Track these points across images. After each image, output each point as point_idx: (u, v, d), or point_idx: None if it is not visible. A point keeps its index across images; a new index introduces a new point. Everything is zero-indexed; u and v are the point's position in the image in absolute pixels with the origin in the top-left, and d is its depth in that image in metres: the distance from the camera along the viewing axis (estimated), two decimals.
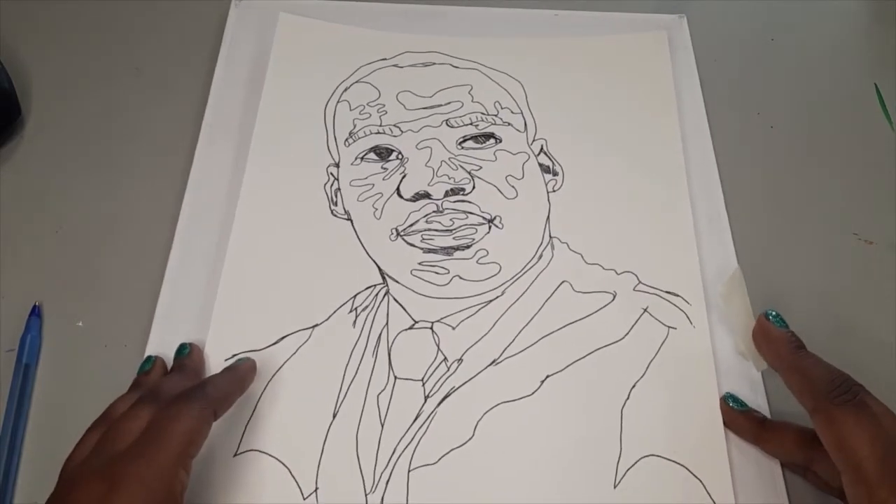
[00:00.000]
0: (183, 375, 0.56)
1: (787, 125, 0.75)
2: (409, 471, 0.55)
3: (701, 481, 0.55)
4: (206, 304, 0.62)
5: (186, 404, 0.48)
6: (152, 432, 0.47)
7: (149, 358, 0.59)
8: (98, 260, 0.65)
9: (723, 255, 0.66)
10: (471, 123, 0.69)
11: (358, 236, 0.65)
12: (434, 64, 0.74)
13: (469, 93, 0.72)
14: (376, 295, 0.62)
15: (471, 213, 0.65)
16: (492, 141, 0.69)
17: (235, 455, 0.56)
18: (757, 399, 0.60)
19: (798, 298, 0.65)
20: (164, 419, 0.47)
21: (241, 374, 0.56)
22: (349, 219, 0.66)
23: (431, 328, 0.61)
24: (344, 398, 0.58)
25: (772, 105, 0.77)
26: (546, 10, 0.80)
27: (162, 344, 0.60)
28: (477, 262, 0.63)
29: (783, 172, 0.72)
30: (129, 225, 0.67)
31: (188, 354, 0.58)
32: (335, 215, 0.66)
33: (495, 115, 0.71)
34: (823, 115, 0.76)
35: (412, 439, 0.56)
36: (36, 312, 0.62)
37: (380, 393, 0.58)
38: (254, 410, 0.57)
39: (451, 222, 0.64)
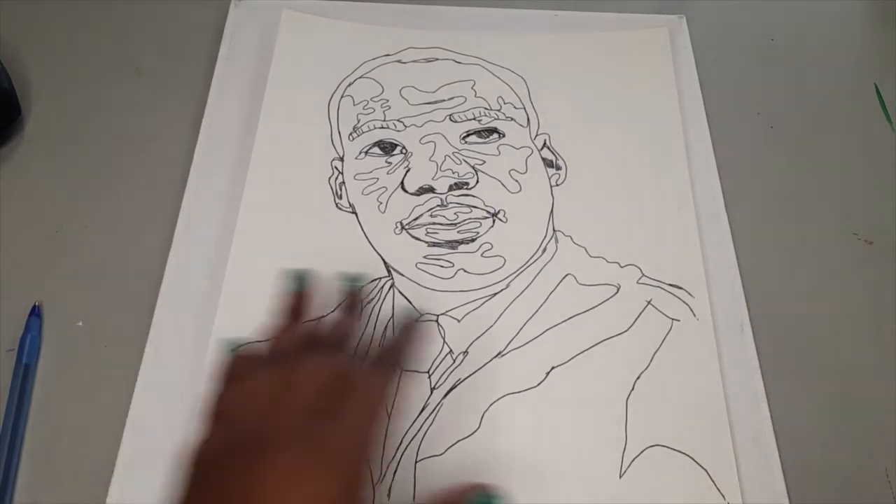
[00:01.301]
0: (350, 316, 0.51)
1: (787, 125, 0.76)
2: (415, 462, 0.55)
3: (706, 470, 0.56)
4: (206, 304, 0.62)
5: (382, 365, 0.44)
6: (350, 394, 0.40)
7: (301, 275, 0.52)
8: (98, 260, 0.65)
9: (723, 253, 0.66)
10: (474, 118, 0.70)
11: (363, 229, 0.65)
12: (437, 59, 0.75)
13: (472, 88, 0.72)
14: (381, 287, 0.62)
15: (475, 206, 0.65)
16: (495, 136, 0.69)
17: None
18: (757, 398, 0.60)
19: (797, 298, 0.65)
20: (361, 380, 0.42)
21: (420, 332, 0.51)
22: (354, 212, 0.66)
23: (437, 321, 0.61)
24: None
25: (772, 105, 0.77)
26: (546, 11, 0.80)
27: (162, 344, 0.60)
28: (481, 255, 0.64)
29: (783, 172, 0.72)
30: (128, 225, 0.67)
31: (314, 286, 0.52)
32: (340, 209, 0.66)
33: (498, 111, 0.71)
34: (823, 115, 0.76)
35: (419, 431, 0.56)
36: (36, 312, 0.61)
37: None
38: None
39: (455, 216, 0.65)
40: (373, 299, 0.62)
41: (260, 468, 0.36)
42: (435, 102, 0.71)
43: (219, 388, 0.43)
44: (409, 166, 0.67)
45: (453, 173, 0.66)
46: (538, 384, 0.58)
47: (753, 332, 0.62)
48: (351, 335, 0.48)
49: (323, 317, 0.53)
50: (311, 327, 0.49)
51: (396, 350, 0.47)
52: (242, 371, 0.44)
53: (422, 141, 0.68)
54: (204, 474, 0.38)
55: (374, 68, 0.74)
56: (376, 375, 0.42)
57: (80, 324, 0.62)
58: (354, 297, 0.53)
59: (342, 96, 0.72)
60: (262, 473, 0.36)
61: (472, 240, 0.64)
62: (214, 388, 0.43)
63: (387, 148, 0.68)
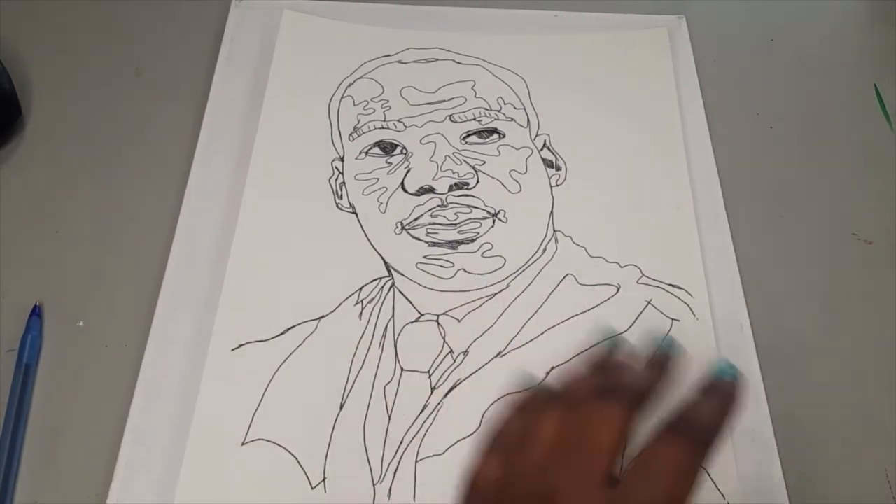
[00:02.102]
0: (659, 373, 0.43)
1: (787, 125, 0.76)
2: (416, 461, 0.55)
3: (706, 470, 0.55)
4: (206, 304, 0.62)
5: (601, 400, 0.39)
6: (573, 439, 0.38)
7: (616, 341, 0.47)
8: (98, 260, 0.65)
9: (723, 253, 0.66)
10: (474, 119, 0.70)
11: (363, 229, 0.65)
12: (437, 60, 0.75)
13: (472, 88, 0.72)
14: (382, 287, 0.62)
15: (475, 207, 0.65)
16: (495, 136, 0.69)
17: (243, 444, 0.56)
18: (757, 398, 0.60)
19: (797, 298, 0.65)
20: (583, 422, 0.38)
21: (730, 397, 0.40)
22: (354, 212, 0.66)
23: (437, 321, 0.61)
24: (351, 389, 0.58)
25: (771, 105, 0.77)
26: (546, 11, 0.80)
27: (162, 344, 0.60)
28: (481, 255, 0.64)
29: (783, 172, 0.72)
30: (129, 225, 0.67)
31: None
32: (340, 209, 0.66)
33: (498, 111, 0.71)
34: (823, 115, 0.76)
35: (419, 430, 0.56)
36: (36, 312, 0.61)
37: (386, 384, 0.58)
38: (261, 400, 0.57)
39: (455, 216, 0.65)
40: (373, 299, 0.62)
41: None
42: (435, 103, 0.71)
43: (507, 417, 0.42)
44: (410, 166, 0.67)
45: (453, 173, 0.66)
46: (539, 384, 0.58)
47: (753, 332, 0.62)
48: (653, 391, 0.41)
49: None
50: (609, 377, 0.43)
51: (706, 420, 0.39)
52: (532, 405, 0.42)
53: (422, 141, 0.68)
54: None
55: (374, 69, 0.74)
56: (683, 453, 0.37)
57: (81, 324, 0.62)
58: (668, 359, 0.45)
59: (342, 96, 0.72)
60: None
61: (473, 240, 0.64)
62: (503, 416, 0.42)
63: (387, 148, 0.68)
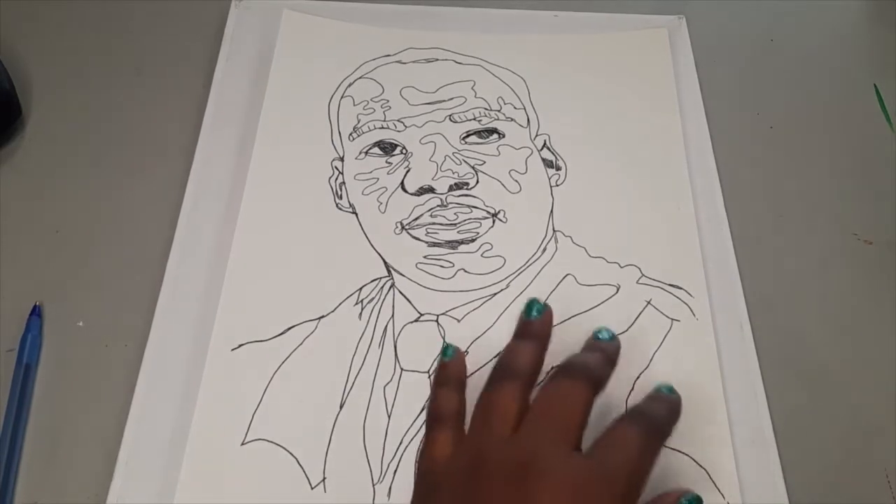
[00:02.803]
0: (535, 343, 0.52)
1: (787, 125, 0.76)
2: (416, 461, 0.55)
3: (706, 470, 0.55)
4: (206, 304, 0.62)
5: (569, 380, 0.47)
6: (544, 414, 0.45)
7: (447, 347, 0.58)
8: (98, 260, 0.65)
9: (723, 253, 0.66)
10: (474, 119, 0.70)
11: (363, 229, 0.65)
12: (437, 60, 0.75)
13: (472, 88, 0.72)
14: (382, 287, 0.62)
15: (475, 207, 0.65)
16: (495, 136, 0.69)
17: (243, 444, 0.56)
18: (757, 398, 0.60)
19: (797, 298, 0.65)
20: (552, 398, 0.46)
21: (611, 351, 0.52)
22: (354, 212, 0.66)
23: (437, 321, 0.61)
24: (351, 389, 0.58)
25: (771, 105, 0.77)
26: (546, 11, 0.80)
27: (162, 344, 0.60)
28: (481, 255, 0.64)
29: (783, 172, 0.72)
30: (129, 225, 0.67)
31: (541, 317, 0.54)
32: (340, 209, 0.66)
33: (498, 111, 0.71)
34: (823, 115, 0.76)
35: (419, 430, 0.56)
36: (36, 312, 0.61)
37: (386, 384, 0.58)
38: (261, 400, 0.57)
39: (455, 216, 0.65)
40: (373, 299, 0.62)
41: (481, 496, 0.42)
42: (435, 103, 0.71)
43: (438, 420, 0.51)
44: (410, 166, 0.67)
45: (453, 173, 0.66)
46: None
47: (753, 332, 0.62)
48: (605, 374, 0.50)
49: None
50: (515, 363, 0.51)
51: (592, 362, 0.49)
52: (445, 409, 0.52)
53: (422, 141, 0.68)
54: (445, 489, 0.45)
55: (374, 69, 0.74)
56: (570, 395, 0.46)
57: (81, 324, 0.62)
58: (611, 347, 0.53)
59: (342, 96, 0.72)
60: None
61: (472, 240, 0.64)
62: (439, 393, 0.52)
63: (387, 148, 0.68)
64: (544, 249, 0.65)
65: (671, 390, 0.49)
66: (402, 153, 0.68)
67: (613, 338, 0.52)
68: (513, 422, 0.46)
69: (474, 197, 0.66)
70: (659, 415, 0.47)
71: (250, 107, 0.72)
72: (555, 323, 0.60)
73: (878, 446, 0.59)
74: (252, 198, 0.66)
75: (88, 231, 0.66)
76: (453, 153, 0.68)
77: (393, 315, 0.61)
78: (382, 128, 0.69)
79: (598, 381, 0.48)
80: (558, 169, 0.69)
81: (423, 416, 0.57)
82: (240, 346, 0.59)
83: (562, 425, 0.45)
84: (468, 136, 0.69)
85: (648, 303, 0.62)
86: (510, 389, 0.48)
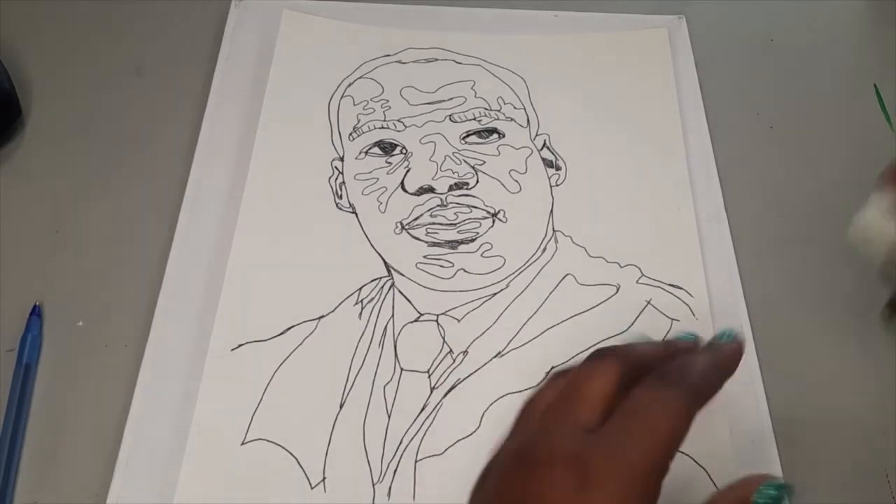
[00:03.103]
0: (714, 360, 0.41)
1: (787, 125, 0.75)
2: (416, 461, 0.55)
3: (705, 470, 0.55)
4: (206, 304, 0.62)
5: (667, 390, 0.38)
6: (629, 419, 0.37)
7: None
8: (98, 260, 0.65)
9: (723, 253, 0.66)
10: (474, 118, 0.70)
11: (363, 229, 0.65)
12: (437, 60, 0.75)
13: (472, 88, 0.72)
14: (382, 287, 0.62)
15: (475, 206, 0.65)
16: (495, 136, 0.69)
17: (243, 444, 0.56)
18: (757, 398, 0.60)
19: (797, 298, 0.65)
20: (641, 408, 0.37)
21: (726, 357, 0.42)
22: (354, 212, 0.66)
23: (437, 320, 0.61)
24: (351, 389, 0.58)
25: (771, 105, 0.77)
26: (546, 11, 0.80)
27: (162, 343, 0.60)
28: (481, 255, 0.64)
29: (783, 172, 0.72)
30: (128, 225, 0.67)
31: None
32: (340, 208, 0.66)
33: (498, 111, 0.71)
34: (823, 116, 0.76)
35: (419, 430, 0.56)
36: (36, 312, 0.61)
37: (386, 384, 0.58)
38: (261, 399, 0.57)
39: (455, 216, 0.65)
40: (373, 299, 0.62)
41: (534, 481, 0.36)
42: (435, 103, 0.71)
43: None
44: (409, 166, 0.67)
45: (453, 173, 0.66)
46: (538, 384, 0.58)
47: (753, 332, 0.62)
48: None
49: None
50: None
51: (695, 375, 0.39)
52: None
53: (422, 141, 0.68)
54: (492, 476, 0.40)
55: (374, 68, 0.74)
56: (662, 409, 0.37)
57: (81, 324, 0.62)
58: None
59: (342, 96, 0.72)
60: (533, 486, 0.36)
61: (472, 240, 0.64)
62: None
63: (387, 148, 0.68)
64: (544, 249, 0.65)
65: (730, 335, 0.43)
66: (401, 153, 0.68)
67: (733, 338, 0.43)
68: (598, 415, 0.38)
69: (474, 197, 0.66)
70: (700, 372, 0.39)
71: (250, 107, 0.72)
72: (555, 323, 0.61)
73: (878, 446, 0.59)
74: (252, 198, 0.66)
75: (88, 231, 0.66)
76: (453, 153, 0.68)
77: (393, 315, 0.61)
78: (382, 128, 0.69)
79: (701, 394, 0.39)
80: (558, 169, 0.69)
81: (423, 415, 0.57)
82: (240, 346, 0.59)
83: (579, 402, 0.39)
84: (468, 135, 0.69)
85: (648, 303, 0.62)
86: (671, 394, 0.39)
